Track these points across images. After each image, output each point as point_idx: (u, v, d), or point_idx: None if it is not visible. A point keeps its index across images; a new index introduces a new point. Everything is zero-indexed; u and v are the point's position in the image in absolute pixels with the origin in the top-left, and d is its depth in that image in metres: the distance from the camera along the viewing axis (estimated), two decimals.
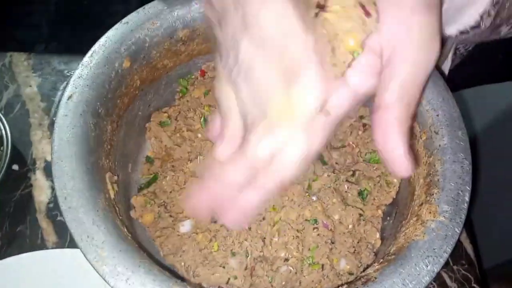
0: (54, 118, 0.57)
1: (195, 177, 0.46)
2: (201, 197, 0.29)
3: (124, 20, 0.43)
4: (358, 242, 0.43)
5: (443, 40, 0.33)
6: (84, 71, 0.40)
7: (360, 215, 0.44)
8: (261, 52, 0.25)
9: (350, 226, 0.43)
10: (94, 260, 0.32)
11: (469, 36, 0.32)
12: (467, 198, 0.35)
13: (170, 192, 0.46)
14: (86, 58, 0.40)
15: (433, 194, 0.36)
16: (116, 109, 0.42)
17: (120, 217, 0.37)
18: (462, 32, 0.32)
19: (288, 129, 0.25)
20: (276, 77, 0.24)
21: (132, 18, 0.43)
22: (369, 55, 0.26)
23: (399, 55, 0.26)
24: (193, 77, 0.51)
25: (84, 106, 0.38)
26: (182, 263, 0.44)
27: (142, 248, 0.36)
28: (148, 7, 0.44)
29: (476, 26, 0.31)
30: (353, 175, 0.46)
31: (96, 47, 0.41)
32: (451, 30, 0.33)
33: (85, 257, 0.32)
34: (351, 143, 0.48)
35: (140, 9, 0.44)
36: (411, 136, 0.32)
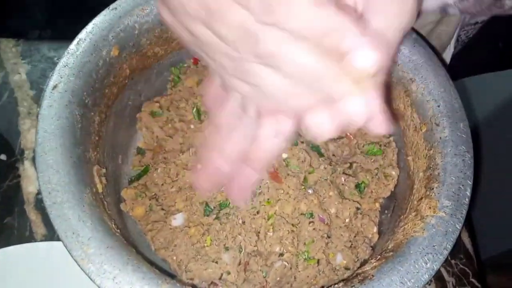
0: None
1: (187, 170, 0.45)
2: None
3: (112, 6, 0.41)
4: (355, 236, 0.42)
5: (446, 12, 0.32)
6: (70, 60, 0.38)
7: (357, 208, 0.42)
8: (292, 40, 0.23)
9: (347, 220, 0.42)
10: (79, 258, 0.31)
11: (469, 5, 0.31)
12: (468, 193, 0.34)
13: (162, 184, 0.45)
14: (72, 46, 0.39)
15: (433, 189, 0.35)
16: (104, 99, 0.40)
17: (109, 212, 0.36)
18: (460, 0, 0.30)
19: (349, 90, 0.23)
20: (322, 58, 0.23)
21: (121, 3, 0.41)
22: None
23: (371, 8, 0.25)
24: (185, 65, 0.49)
25: (70, 96, 0.37)
26: (174, 257, 0.43)
27: (132, 243, 0.35)
28: None
29: None
30: (350, 167, 0.45)
31: (83, 34, 0.39)
32: None
33: (70, 254, 0.31)
34: (348, 134, 0.46)
35: None
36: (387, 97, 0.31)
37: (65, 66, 0.38)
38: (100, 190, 0.37)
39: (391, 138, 0.45)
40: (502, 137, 0.66)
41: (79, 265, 0.30)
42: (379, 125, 0.25)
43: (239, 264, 0.40)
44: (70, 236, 0.31)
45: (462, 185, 0.34)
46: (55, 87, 0.37)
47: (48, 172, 0.33)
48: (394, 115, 0.42)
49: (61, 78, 0.37)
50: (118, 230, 0.35)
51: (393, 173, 0.43)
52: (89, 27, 0.40)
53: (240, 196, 0.32)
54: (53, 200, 0.32)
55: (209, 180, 0.31)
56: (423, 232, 0.33)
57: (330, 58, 0.22)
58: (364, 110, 0.24)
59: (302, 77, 0.23)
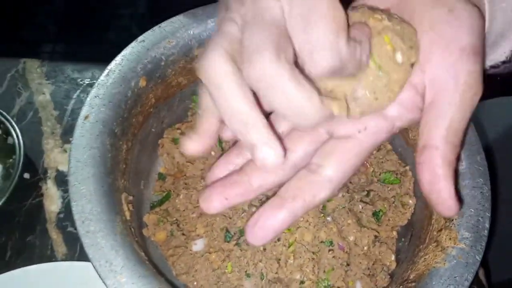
0: (67, 127, 0.57)
1: None
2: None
3: (140, 38, 0.42)
4: (373, 264, 0.43)
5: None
6: (101, 91, 0.39)
7: (376, 236, 0.43)
8: None
9: (366, 248, 0.43)
10: (113, 286, 0.31)
11: (499, 70, 0.32)
12: (487, 225, 0.35)
13: (183, 210, 0.46)
14: (102, 78, 0.40)
15: (452, 220, 0.36)
16: (131, 128, 0.42)
17: (136, 239, 0.37)
18: (493, 67, 0.32)
19: None
20: None
21: (148, 36, 0.43)
22: (410, 91, 0.27)
23: (446, 98, 0.26)
24: None
25: (101, 126, 0.38)
26: (195, 283, 0.43)
27: (159, 271, 0.36)
28: (164, 25, 0.43)
29: (507, 61, 0.31)
30: (367, 195, 0.46)
31: (112, 65, 0.41)
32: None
33: (104, 282, 0.32)
34: (365, 162, 0.48)
35: (156, 27, 0.43)
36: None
37: (95, 97, 0.39)
38: (128, 218, 0.38)
39: (407, 168, 0.46)
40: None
41: None
42: (451, 210, 0.26)
43: None
44: (104, 264, 0.32)
45: (481, 217, 0.35)
46: (86, 117, 0.38)
47: (81, 201, 0.34)
48: (410, 145, 0.43)
49: (92, 108, 0.39)
50: (147, 258, 0.36)
51: (410, 202, 0.44)
52: (118, 58, 0.41)
53: (259, 238, 0.28)
54: (86, 229, 0.33)
55: (222, 202, 0.29)
56: (444, 263, 0.34)
57: None
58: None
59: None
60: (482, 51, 0.27)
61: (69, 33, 1.41)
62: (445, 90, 0.26)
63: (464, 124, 0.26)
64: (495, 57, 0.31)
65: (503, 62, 0.31)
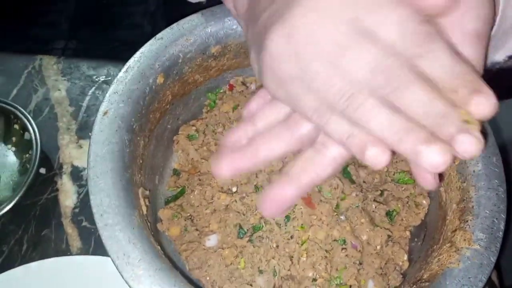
0: (82, 123, 0.58)
1: (223, 192, 0.46)
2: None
3: (158, 36, 0.43)
4: (385, 264, 0.43)
5: (492, 67, 0.33)
6: (119, 87, 0.40)
7: (389, 236, 0.43)
8: None
9: (378, 247, 0.43)
10: (130, 279, 0.32)
11: None
12: (502, 227, 0.35)
13: (197, 206, 0.47)
14: (121, 74, 0.41)
15: (467, 221, 0.36)
16: (148, 124, 0.42)
17: (152, 233, 0.38)
18: (510, 57, 0.32)
19: None
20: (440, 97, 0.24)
21: (166, 34, 0.43)
22: None
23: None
24: (221, 91, 0.51)
25: (120, 122, 0.39)
26: (208, 278, 0.44)
27: (174, 265, 0.37)
28: (182, 22, 0.44)
29: None
30: (381, 194, 0.46)
31: (131, 62, 0.42)
32: (499, 56, 0.33)
33: (121, 275, 0.32)
34: None
35: (174, 25, 0.44)
36: None
37: (114, 93, 0.40)
38: (144, 212, 0.38)
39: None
40: None
41: (129, 286, 0.32)
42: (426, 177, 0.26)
43: (274, 287, 0.41)
44: (121, 257, 0.33)
45: (496, 219, 0.35)
46: (105, 113, 0.39)
47: (100, 195, 0.35)
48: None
49: (111, 104, 0.39)
50: (162, 252, 0.36)
51: (424, 202, 0.45)
52: (137, 55, 0.42)
53: (272, 209, 0.29)
54: (104, 222, 0.34)
55: (231, 168, 0.29)
56: (458, 264, 0.34)
57: (448, 99, 0.23)
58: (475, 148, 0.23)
59: (415, 114, 0.24)
60: (486, 39, 0.26)
61: (81, 30, 1.42)
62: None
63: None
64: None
65: None
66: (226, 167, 0.29)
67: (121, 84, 0.40)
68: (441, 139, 0.23)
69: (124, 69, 0.41)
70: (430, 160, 0.22)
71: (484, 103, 0.23)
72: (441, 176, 0.41)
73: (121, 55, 0.46)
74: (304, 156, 0.28)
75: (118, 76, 0.40)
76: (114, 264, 0.33)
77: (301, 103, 0.26)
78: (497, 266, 0.51)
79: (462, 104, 0.23)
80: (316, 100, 0.25)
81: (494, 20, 0.29)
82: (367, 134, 0.24)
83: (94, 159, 0.36)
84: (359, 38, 0.24)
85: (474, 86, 0.23)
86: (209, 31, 0.44)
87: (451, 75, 0.23)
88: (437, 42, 0.24)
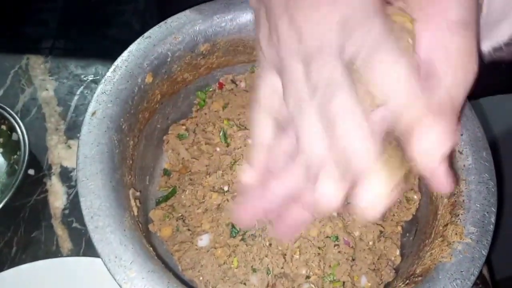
0: (70, 123, 0.57)
1: (215, 191, 0.46)
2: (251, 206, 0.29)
3: (146, 34, 0.43)
4: (378, 259, 0.43)
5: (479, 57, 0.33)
6: (108, 87, 0.39)
7: (381, 231, 0.44)
8: None
9: (371, 243, 0.43)
10: (122, 281, 0.32)
11: (503, 54, 0.32)
12: (493, 220, 0.36)
13: (189, 206, 0.46)
14: (109, 73, 0.40)
15: (458, 215, 0.36)
16: (138, 124, 0.42)
17: (144, 235, 0.37)
18: (495, 49, 0.32)
19: None
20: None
21: (154, 32, 0.43)
22: None
23: (437, 73, 0.25)
24: (211, 89, 0.51)
25: (108, 122, 0.38)
26: (201, 278, 0.44)
27: (167, 266, 0.36)
28: (170, 21, 0.43)
29: (510, 42, 0.31)
30: None
31: (118, 62, 0.41)
32: (484, 46, 0.32)
33: (113, 277, 0.32)
34: None
35: (162, 23, 0.43)
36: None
37: (102, 93, 0.39)
38: (135, 213, 0.38)
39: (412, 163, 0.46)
40: None
41: None
42: (446, 185, 0.25)
43: (267, 286, 0.41)
44: (113, 260, 0.32)
45: (487, 212, 0.36)
46: (94, 113, 0.38)
47: (90, 197, 0.34)
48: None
49: (99, 104, 0.39)
50: (155, 253, 0.36)
51: (415, 197, 0.45)
52: (125, 55, 0.41)
53: (287, 235, 0.30)
54: (95, 224, 0.34)
55: (251, 215, 0.29)
56: (450, 258, 0.34)
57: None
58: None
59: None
60: (474, 27, 0.26)
61: (70, 29, 1.41)
62: (436, 66, 0.25)
63: (458, 101, 0.25)
64: (497, 36, 0.31)
65: (507, 45, 0.31)
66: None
67: (109, 84, 0.40)
68: None
69: (112, 69, 0.41)
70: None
71: None
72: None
73: (110, 54, 0.46)
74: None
75: (105, 76, 0.40)
76: (106, 267, 0.32)
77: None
78: (488, 260, 0.52)
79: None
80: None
81: (480, 7, 0.28)
82: None
83: (83, 160, 0.36)
84: None
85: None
86: (198, 29, 0.44)
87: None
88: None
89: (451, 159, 0.26)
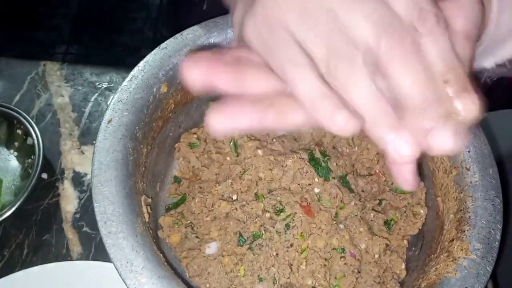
0: (84, 129, 0.58)
1: (223, 200, 0.47)
2: None
3: (163, 45, 0.44)
4: (383, 272, 0.44)
5: (481, 72, 0.34)
6: (124, 96, 0.41)
7: (387, 245, 0.44)
8: None
9: (377, 256, 0.44)
10: (133, 286, 0.32)
11: (506, 70, 0.33)
12: (498, 237, 0.36)
13: (198, 213, 0.47)
14: (126, 83, 0.41)
15: (464, 231, 0.37)
16: (151, 133, 0.43)
17: (154, 241, 0.38)
18: (499, 65, 0.33)
19: None
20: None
21: (170, 43, 0.44)
22: None
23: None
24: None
25: (123, 130, 0.39)
26: (208, 285, 0.44)
27: (176, 273, 0.37)
28: (186, 33, 0.45)
29: None
30: (379, 204, 0.47)
31: (135, 71, 0.42)
32: (488, 62, 0.33)
33: (124, 282, 0.33)
34: (377, 171, 0.49)
35: (178, 35, 0.44)
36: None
37: (119, 101, 0.40)
38: (147, 219, 0.39)
39: (419, 178, 0.47)
40: None
41: None
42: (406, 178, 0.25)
43: None
44: (125, 265, 0.33)
45: (493, 229, 0.36)
46: (109, 121, 0.39)
47: (104, 202, 0.35)
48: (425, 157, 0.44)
49: (115, 113, 0.40)
50: (164, 259, 0.37)
51: (422, 211, 0.45)
52: (141, 65, 0.43)
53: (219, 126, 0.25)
54: (108, 229, 0.35)
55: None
56: (455, 273, 0.35)
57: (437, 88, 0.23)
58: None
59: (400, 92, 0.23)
60: (474, 42, 0.26)
61: (83, 35, 1.44)
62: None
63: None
64: (501, 53, 0.32)
65: (510, 61, 0.32)
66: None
67: (125, 93, 0.41)
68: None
69: (128, 78, 0.42)
70: (396, 148, 0.22)
71: (471, 105, 0.22)
72: (421, 176, 0.42)
73: (122, 60, 0.47)
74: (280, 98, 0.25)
75: (122, 85, 0.41)
76: (118, 272, 0.33)
77: (280, 52, 0.24)
78: (493, 277, 0.52)
79: (449, 100, 0.22)
80: (298, 53, 0.23)
81: (482, 27, 0.29)
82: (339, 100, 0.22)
83: (99, 167, 0.37)
84: None
85: (465, 86, 0.23)
86: (212, 41, 0.45)
87: (445, 67, 0.23)
88: (440, 27, 0.23)
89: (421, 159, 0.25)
